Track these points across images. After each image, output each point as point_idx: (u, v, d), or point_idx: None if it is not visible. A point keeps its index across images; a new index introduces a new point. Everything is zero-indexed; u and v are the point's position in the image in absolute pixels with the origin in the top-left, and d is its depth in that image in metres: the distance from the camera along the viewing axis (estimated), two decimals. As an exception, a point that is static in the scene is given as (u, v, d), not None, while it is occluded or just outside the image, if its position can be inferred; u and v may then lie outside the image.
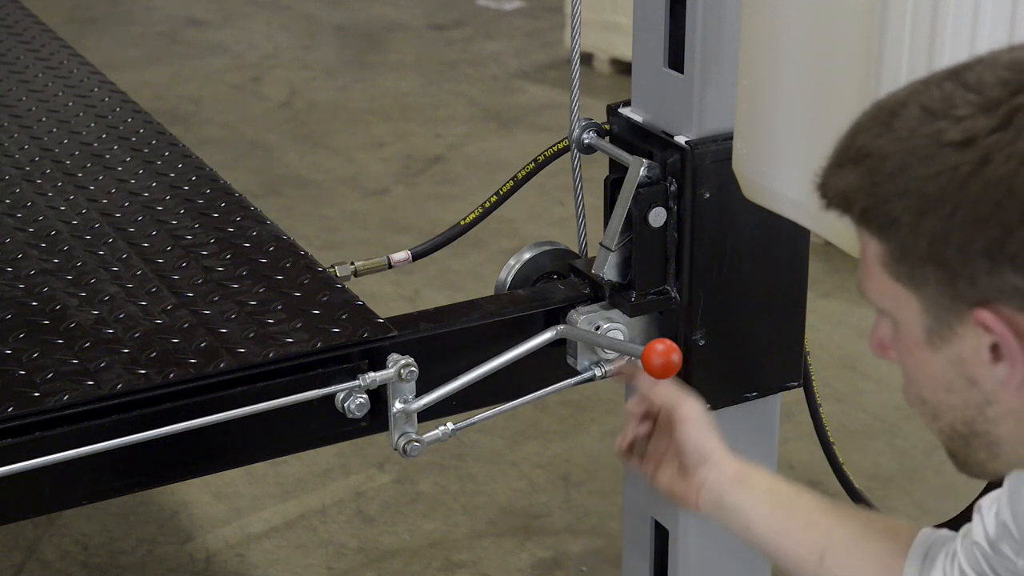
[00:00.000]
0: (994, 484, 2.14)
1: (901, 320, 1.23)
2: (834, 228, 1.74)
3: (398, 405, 1.87)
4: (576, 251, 2.18)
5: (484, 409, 1.99)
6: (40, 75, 2.91)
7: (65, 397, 1.73)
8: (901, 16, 1.61)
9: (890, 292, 1.22)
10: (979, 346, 1.18)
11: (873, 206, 1.18)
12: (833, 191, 1.21)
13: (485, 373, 1.93)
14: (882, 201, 1.17)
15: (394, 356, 1.86)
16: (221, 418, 1.77)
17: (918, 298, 1.20)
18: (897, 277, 1.20)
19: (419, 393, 1.88)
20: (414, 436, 1.89)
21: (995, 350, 1.17)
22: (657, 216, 1.97)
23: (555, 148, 2.18)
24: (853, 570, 1.64)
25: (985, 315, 1.15)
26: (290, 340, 1.85)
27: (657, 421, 1.78)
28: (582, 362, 2.03)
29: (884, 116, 1.19)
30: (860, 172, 1.18)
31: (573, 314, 2.02)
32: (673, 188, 1.97)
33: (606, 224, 2.03)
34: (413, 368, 1.85)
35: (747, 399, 2.11)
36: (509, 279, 2.16)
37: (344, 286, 2.01)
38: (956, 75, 1.17)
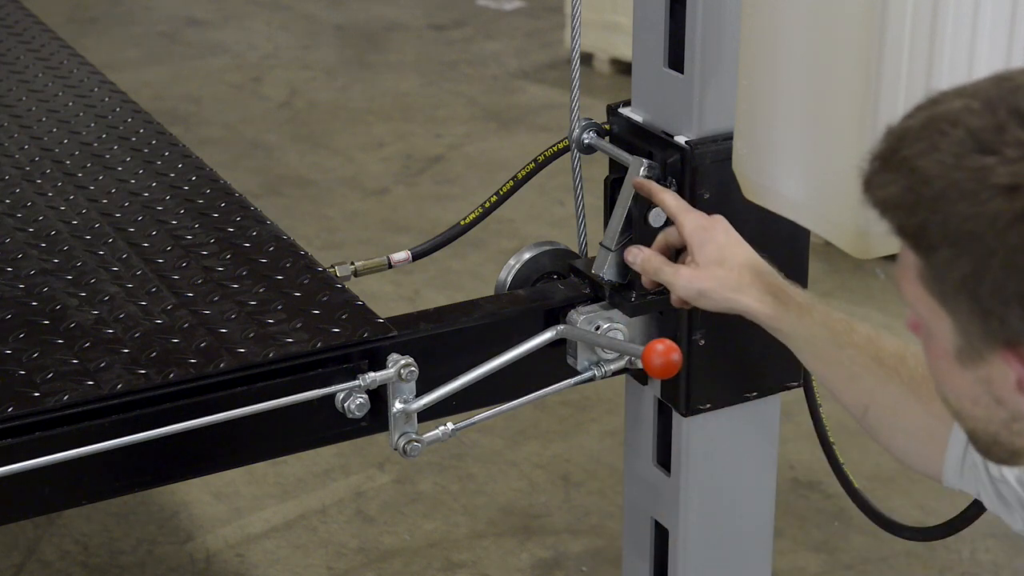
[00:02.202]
0: None
1: (933, 329, 1.23)
2: (834, 228, 1.74)
3: (398, 405, 1.87)
4: (576, 251, 2.18)
5: (484, 409, 1.98)
6: (40, 75, 2.91)
7: (65, 397, 1.72)
8: (901, 17, 1.61)
9: (925, 302, 1.22)
10: (1007, 376, 1.19)
11: (911, 225, 1.17)
12: (874, 197, 1.21)
13: (485, 373, 1.93)
14: (921, 224, 1.16)
15: (394, 356, 1.86)
16: (221, 418, 1.77)
17: (951, 319, 1.20)
18: (931, 293, 1.20)
19: (419, 393, 1.88)
20: (414, 436, 1.88)
21: (1021, 384, 1.18)
22: (657, 216, 1.97)
23: (555, 148, 2.17)
24: (895, 435, 1.69)
25: (1012, 357, 1.16)
26: (290, 340, 1.85)
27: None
28: (582, 362, 2.03)
29: (932, 131, 1.16)
30: (902, 187, 1.17)
31: (573, 314, 2.02)
32: (673, 188, 1.97)
33: (606, 224, 2.03)
34: (413, 368, 1.85)
35: (747, 399, 2.11)
36: (509, 279, 2.16)
37: (344, 286, 2.01)
38: (1012, 96, 1.15)
